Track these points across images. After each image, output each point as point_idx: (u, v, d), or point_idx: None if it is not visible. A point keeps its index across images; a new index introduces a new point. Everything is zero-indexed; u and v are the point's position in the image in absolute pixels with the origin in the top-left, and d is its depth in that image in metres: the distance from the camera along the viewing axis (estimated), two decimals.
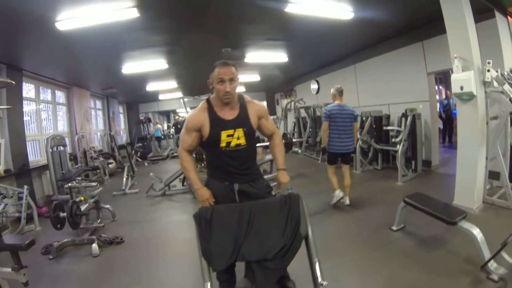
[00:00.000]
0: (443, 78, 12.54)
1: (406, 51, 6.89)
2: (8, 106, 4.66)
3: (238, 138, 2.13)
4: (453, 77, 4.03)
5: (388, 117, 7.29)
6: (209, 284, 1.78)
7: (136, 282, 3.10)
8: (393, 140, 6.32)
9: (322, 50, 8.07)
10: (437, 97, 10.56)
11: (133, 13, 4.34)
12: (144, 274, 3.26)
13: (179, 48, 6.73)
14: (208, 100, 2.22)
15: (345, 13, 5.04)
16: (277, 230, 1.91)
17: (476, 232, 2.68)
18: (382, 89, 7.73)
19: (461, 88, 3.93)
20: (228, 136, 2.12)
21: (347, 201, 4.73)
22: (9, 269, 2.70)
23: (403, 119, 6.12)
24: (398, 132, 6.24)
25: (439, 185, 5.61)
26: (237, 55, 7.67)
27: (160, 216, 5.34)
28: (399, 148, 5.80)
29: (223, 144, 2.12)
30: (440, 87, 12.77)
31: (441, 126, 9.77)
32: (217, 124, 2.13)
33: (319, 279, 1.83)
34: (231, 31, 5.94)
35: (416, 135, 6.15)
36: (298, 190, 5.28)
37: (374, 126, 7.19)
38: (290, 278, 2.37)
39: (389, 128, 6.83)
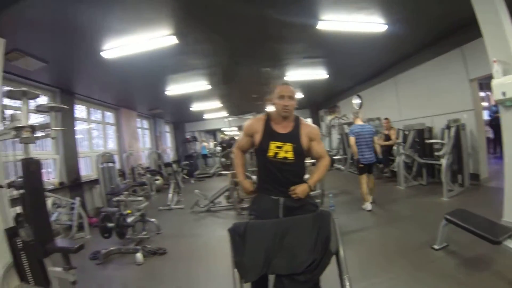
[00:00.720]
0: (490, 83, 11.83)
1: (445, 59, 6.58)
2: (63, 128, 5.09)
3: (286, 152, 2.22)
4: (494, 82, 3.75)
5: (430, 129, 7.01)
6: None
7: None
8: (436, 153, 5.98)
9: (360, 65, 7.98)
10: (486, 103, 9.96)
11: (172, 40, 4.64)
12: (183, 284, 3.36)
13: (219, 70, 7.01)
14: (267, 114, 2.38)
15: (378, 26, 5.02)
16: (308, 246, 1.92)
17: None
18: (424, 100, 7.43)
19: (503, 94, 3.63)
20: (277, 147, 2.23)
21: (371, 200, 5.56)
22: (60, 269, 2.97)
23: (446, 131, 5.85)
24: (442, 144, 5.88)
25: (488, 200, 5.15)
26: (276, 74, 7.83)
27: (203, 231, 5.40)
28: (443, 161, 5.49)
29: (270, 154, 2.23)
30: (488, 93, 12.04)
31: (492, 135, 9.17)
32: (269, 134, 2.28)
33: None
34: (268, 52, 6.09)
35: (461, 147, 5.84)
36: (340, 207, 5.42)
37: (417, 140, 6.91)
38: None
39: (431, 141, 6.51)
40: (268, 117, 2.35)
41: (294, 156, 2.23)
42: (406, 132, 7.01)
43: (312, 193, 5.25)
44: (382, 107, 9.27)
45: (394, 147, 7.19)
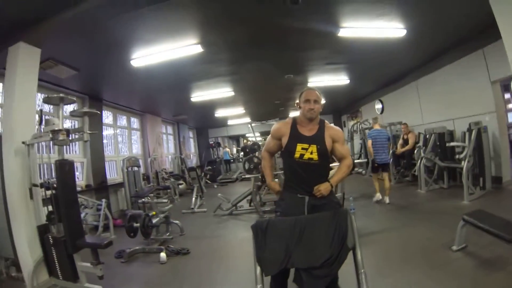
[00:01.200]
0: None
1: (466, 61, 6.49)
2: (95, 131, 5.32)
3: (311, 153, 2.35)
4: None
5: (451, 132, 6.97)
6: (260, 287, 1.93)
7: None
8: (456, 156, 5.96)
9: (381, 70, 7.97)
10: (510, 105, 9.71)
11: (197, 49, 4.81)
12: (205, 282, 3.44)
13: (243, 77, 7.17)
14: (293, 118, 2.54)
15: (397, 31, 5.04)
16: (325, 241, 2.01)
17: None
18: (446, 104, 7.34)
19: None
20: (303, 149, 2.36)
21: (387, 200, 6.05)
22: (89, 264, 3.14)
23: (467, 133, 5.76)
24: (463, 147, 5.81)
25: (510, 203, 5.09)
26: (299, 81, 7.93)
27: (225, 233, 5.50)
28: (464, 164, 5.46)
29: (297, 155, 2.36)
30: None
31: None
32: (296, 136, 2.42)
33: None
34: (290, 59, 6.20)
35: (482, 149, 5.76)
36: (360, 210, 5.46)
37: (438, 143, 6.86)
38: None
39: (452, 144, 6.43)
40: (295, 121, 2.50)
41: (319, 157, 2.35)
42: (427, 136, 6.93)
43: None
44: (404, 111, 9.20)
45: (415, 151, 7.17)
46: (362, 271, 1.92)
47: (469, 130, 5.71)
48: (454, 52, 6.63)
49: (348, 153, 2.60)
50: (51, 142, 3.24)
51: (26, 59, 3.55)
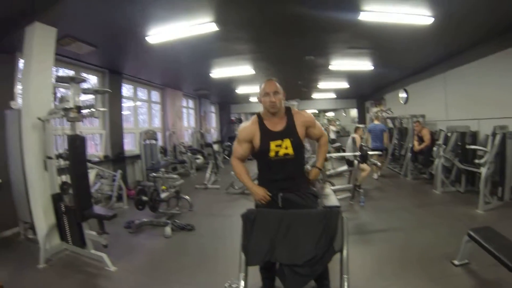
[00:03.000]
0: None
1: (501, 57, 5.90)
2: (107, 109, 5.53)
3: (286, 148, 2.29)
4: None
5: (473, 134, 6.45)
6: (242, 275, 2.00)
7: (195, 264, 3.48)
8: (476, 160, 5.46)
9: (407, 58, 7.67)
10: None
11: (213, 27, 4.77)
12: (204, 259, 3.61)
13: (263, 56, 7.08)
14: (258, 115, 2.45)
15: (424, 18, 4.78)
16: (311, 241, 1.99)
17: None
18: (473, 101, 6.83)
19: None
20: (276, 146, 2.29)
21: (376, 176, 8.07)
22: (94, 233, 3.44)
23: (491, 137, 5.32)
24: (485, 152, 5.32)
25: None
26: (321, 63, 7.82)
27: (233, 212, 5.40)
28: (484, 170, 5.05)
29: (272, 154, 2.30)
30: None
31: None
32: (267, 135, 2.33)
33: None
34: (311, 40, 6.04)
35: (505, 157, 5.25)
36: (370, 203, 5.48)
37: (459, 143, 6.46)
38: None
39: (473, 147, 5.96)
40: (260, 118, 2.42)
41: (294, 151, 2.31)
42: (449, 134, 6.60)
43: (343, 186, 5.41)
44: (429, 104, 8.84)
45: (434, 148, 6.68)
46: (346, 276, 1.91)
47: (493, 134, 5.29)
48: (487, 46, 6.11)
49: (322, 130, 2.59)
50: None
51: (41, 39, 3.74)
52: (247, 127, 2.42)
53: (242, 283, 1.97)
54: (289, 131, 2.34)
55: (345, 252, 1.97)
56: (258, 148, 2.37)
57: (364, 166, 5.92)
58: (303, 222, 2.07)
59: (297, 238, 2.02)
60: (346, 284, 1.89)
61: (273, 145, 2.30)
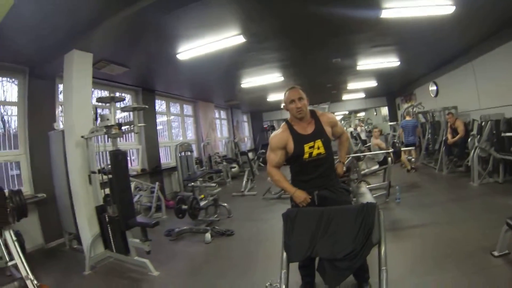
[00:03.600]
0: None
1: None
2: (145, 124, 5.80)
3: (318, 148, 2.39)
4: None
5: (508, 121, 6.06)
6: (283, 272, 2.06)
7: (234, 268, 3.56)
8: None
9: (432, 50, 7.45)
10: None
11: (240, 40, 4.92)
12: (244, 262, 3.68)
13: (290, 63, 7.21)
14: (287, 121, 2.55)
15: (444, 8, 4.68)
16: (350, 235, 2.02)
17: None
18: (504, 87, 6.49)
19: None
20: (310, 148, 2.39)
21: (409, 167, 8.19)
22: (138, 240, 3.62)
23: None
24: None
25: None
26: (348, 64, 7.83)
27: (270, 216, 5.53)
28: None
29: (306, 156, 2.39)
30: None
31: None
32: (299, 139, 2.42)
33: None
34: (336, 43, 6.09)
35: None
36: (405, 201, 5.45)
37: (494, 132, 6.09)
38: (369, 282, 2.51)
39: (508, 134, 5.71)
40: (289, 124, 2.52)
41: (325, 149, 2.41)
42: (483, 124, 6.29)
43: (377, 184, 5.37)
44: (460, 94, 8.54)
45: (469, 139, 6.55)
46: (384, 268, 1.91)
47: None
48: None
49: (343, 128, 2.73)
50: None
51: (80, 64, 4.08)
52: (278, 135, 2.50)
53: (284, 280, 2.03)
54: (319, 132, 2.45)
55: (383, 245, 1.98)
56: (292, 153, 2.44)
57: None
58: (341, 217, 2.10)
59: (336, 233, 2.05)
60: (384, 275, 1.90)
61: (306, 147, 2.40)
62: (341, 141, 2.72)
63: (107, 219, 3.82)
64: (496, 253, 3.06)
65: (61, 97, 5.34)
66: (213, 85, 9.01)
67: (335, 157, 2.64)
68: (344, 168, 2.68)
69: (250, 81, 8.42)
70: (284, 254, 2.10)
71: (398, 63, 8.12)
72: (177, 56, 5.32)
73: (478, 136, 6.19)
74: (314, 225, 2.11)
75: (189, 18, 4.11)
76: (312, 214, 2.17)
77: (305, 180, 2.47)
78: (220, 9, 4.06)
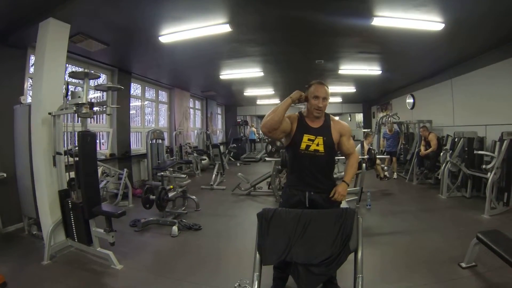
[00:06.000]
0: None
1: (508, 63, 5.92)
2: (118, 105, 5.53)
3: (317, 145, 2.35)
4: None
5: (481, 140, 6.44)
6: (256, 275, 2.00)
7: (201, 264, 3.44)
8: (483, 166, 5.50)
9: (415, 63, 7.65)
10: None
11: (226, 28, 4.80)
12: (211, 259, 3.58)
13: (273, 58, 7.11)
14: (300, 113, 2.51)
15: (434, 24, 4.78)
16: (327, 240, 2.01)
17: None
18: (480, 107, 6.86)
19: None
20: (309, 140, 2.35)
21: (395, 176, 8.70)
22: (102, 230, 3.40)
23: (498, 143, 5.33)
24: (492, 158, 5.34)
25: None
26: (330, 67, 7.82)
27: (239, 212, 5.59)
28: (490, 176, 5.08)
29: (303, 146, 2.35)
30: None
31: None
32: (303, 127, 2.40)
33: None
34: (322, 44, 6.07)
35: None
36: (375, 207, 5.46)
37: (466, 149, 6.45)
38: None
39: (480, 152, 5.95)
40: (301, 115, 2.49)
41: (325, 149, 2.35)
42: (456, 140, 6.60)
43: (350, 189, 5.38)
44: (436, 110, 8.83)
45: (441, 153, 6.80)
46: (360, 275, 1.92)
47: (501, 140, 5.30)
48: (496, 52, 6.13)
49: (355, 148, 2.61)
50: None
51: (55, 34, 3.75)
52: (290, 115, 2.47)
53: (256, 283, 1.97)
54: (324, 131, 2.41)
55: (360, 252, 1.98)
56: (292, 137, 2.41)
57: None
58: (320, 222, 2.08)
59: (314, 237, 2.03)
60: (360, 283, 1.90)
61: (305, 137, 2.37)
62: (349, 162, 2.58)
63: (70, 205, 3.56)
64: (463, 265, 3.20)
65: (32, 69, 4.95)
66: (192, 73, 8.77)
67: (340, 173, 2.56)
68: None
69: (230, 73, 8.32)
70: (258, 255, 2.04)
71: (379, 72, 8.23)
72: (160, 38, 5.11)
73: (451, 151, 6.43)
74: (290, 228, 2.07)
75: None
76: (288, 216, 2.12)
77: (299, 176, 2.41)
78: None
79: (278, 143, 7.07)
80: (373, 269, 3.12)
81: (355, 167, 2.59)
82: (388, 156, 8.83)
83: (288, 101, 2.31)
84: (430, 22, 4.76)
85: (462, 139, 6.41)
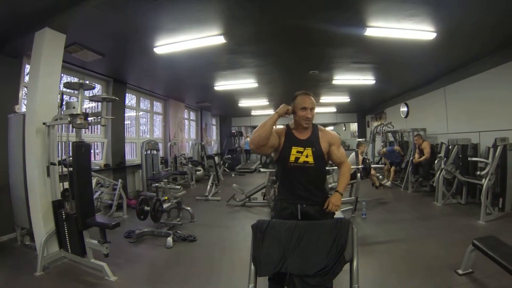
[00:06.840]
0: None
1: (500, 71, 6.03)
2: (113, 116, 5.50)
3: (306, 156, 2.31)
4: None
5: (474, 146, 6.50)
6: (251, 286, 1.97)
7: (196, 276, 3.40)
8: (477, 172, 5.56)
9: (409, 72, 7.74)
10: None
11: (220, 40, 4.85)
12: (206, 270, 3.54)
13: (267, 70, 7.17)
14: (287, 125, 2.48)
15: (426, 33, 4.87)
16: (322, 251, 1.99)
17: None
18: (473, 115, 6.97)
19: None
20: (297, 152, 2.32)
21: (389, 184, 8.51)
22: (96, 241, 3.36)
23: (492, 149, 5.41)
24: (486, 164, 5.41)
25: None
26: (324, 77, 7.89)
27: (234, 223, 5.55)
28: (485, 182, 5.14)
29: (292, 159, 2.32)
30: None
31: None
32: (291, 139, 2.37)
33: None
34: (316, 55, 6.14)
35: (506, 168, 5.31)
36: (372, 216, 5.47)
37: (460, 156, 6.51)
38: None
39: (474, 159, 6.02)
40: (288, 128, 2.46)
41: (314, 160, 2.32)
42: (450, 147, 6.65)
43: (345, 199, 5.40)
44: (429, 117, 8.93)
45: (436, 161, 6.85)
46: (356, 285, 1.92)
47: (494, 146, 5.36)
48: (488, 60, 6.26)
49: (345, 156, 2.57)
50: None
51: (51, 44, 3.75)
52: (277, 128, 2.44)
53: None
54: (312, 142, 2.38)
55: (355, 262, 1.97)
56: (280, 151, 2.39)
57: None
58: (314, 232, 2.06)
59: (309, 248, 2.01)
60: None
61: (294, 150, 2.34)
62: (341, 171, 2.55)
63: (64, 216, 3.51)
64: (460, 271, 3.20)
65: (27, 78, 4.95)
66: (187, 84, 8.79)
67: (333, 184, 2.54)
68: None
69: (225, 84, 8.35)
70: (252, 267, 2.02)
71: (373, 82, 8.35)
72: (155, 49, 5.14)
73: (445, 158, 6.48)
74: (285, 239, 2.05)
75: (174, 8, 3.94)
76: (283, 227, 2.10)
77: (290, 189, 2.36)
78: (206, 5, 3.94)
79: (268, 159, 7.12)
80: (369, 278, 3.10)
81: (347, 176, 2.55)
82: (386, 165, 9.09)
83: (274, 117, 2.29)
84: (423, 32, 4.84)
85: (456, 146, 6.46)
